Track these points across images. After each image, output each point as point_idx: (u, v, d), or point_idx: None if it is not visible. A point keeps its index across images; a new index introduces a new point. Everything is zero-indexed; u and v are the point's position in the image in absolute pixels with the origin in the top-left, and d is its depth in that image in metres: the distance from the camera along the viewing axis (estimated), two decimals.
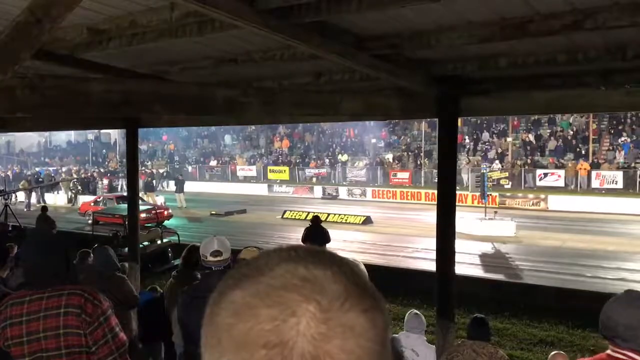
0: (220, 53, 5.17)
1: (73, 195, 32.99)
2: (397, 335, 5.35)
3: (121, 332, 2.81)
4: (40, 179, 35.75)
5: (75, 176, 37.28)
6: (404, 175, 32.97)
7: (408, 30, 4.11)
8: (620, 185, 26.47)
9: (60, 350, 2.64)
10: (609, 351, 2.42)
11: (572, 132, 31.14)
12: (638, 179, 26.23)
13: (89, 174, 38.38)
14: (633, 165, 27.30)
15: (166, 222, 20.39)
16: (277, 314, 0.57)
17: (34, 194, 32.55)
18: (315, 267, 0.61)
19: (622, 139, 29.34)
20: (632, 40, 4.02)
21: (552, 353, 5.12)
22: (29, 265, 2.84)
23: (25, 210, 28.35)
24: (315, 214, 14.35)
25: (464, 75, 5.37)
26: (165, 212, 21.74)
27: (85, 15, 3.99)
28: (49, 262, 2.74)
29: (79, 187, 33.70)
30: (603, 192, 26.42)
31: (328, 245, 12.56)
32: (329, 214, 22.23)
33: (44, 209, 16.93)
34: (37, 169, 43.68)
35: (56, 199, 33.63)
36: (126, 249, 11.15)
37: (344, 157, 36.56)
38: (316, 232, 12.41)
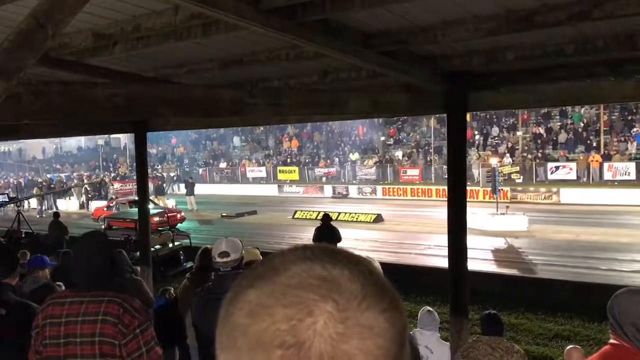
0: (225, 54, 5.17)
1: (85, 201, 33.21)
2: (410, 332, 5.32)
3: (157, 345, 2.76)
4: (52, 185, 36.02)
5: (86, 181, 37.51)
6: (414, 172, 32.89)
7: (414, 26, 4.08)
8: (633, 176, 26.21)
9: (95, 357, 2.62)
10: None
11: (582, 125, 30.91)
12: None
13: (100, 179, 38.59)
14: None
15: (178, 225, 20.47)
16: (293, 314, 0.56)
17: (46, 201, 32.78)
18: (332, 266, 0.60)
19: (634, 129, 29.08)
20: None
21: (568, 347, 5.08)
22: (75, 265, 2.84)
23: (37, 217, 28.57)
24: (326, 212, 14.31)
25: (471, 70, 5.33)
26: (178, 215, 21.80)
27: (89, 20, 4.00)
28: (95, 264, 2.74)
29: (90, 193, 33.91)
30: (616, 183, 26.20)
31: (339, 244, 12.55)
32: (339, 213, 22.19)
33: (56, 215, 17.04)
34: (48, 175, 44.03)
35: (68, 205, 33.87)
36: (138, 252, 11.19)
37: (354, 156, 36.53)
38: (327, 231, 12.39)
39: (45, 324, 2.67)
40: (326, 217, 12.76)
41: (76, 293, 2.72)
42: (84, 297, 2.68)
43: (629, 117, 29.93)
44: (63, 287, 6.27)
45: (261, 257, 5.24)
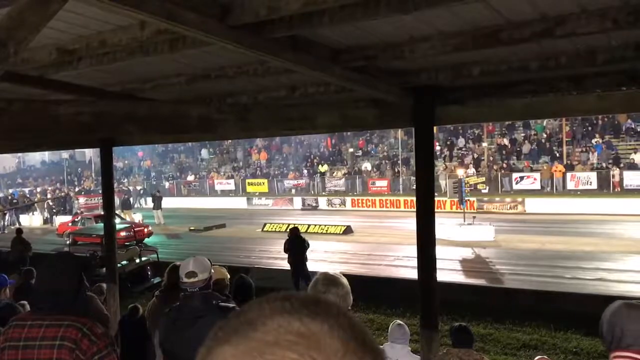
0: (193, 69, 5.12)
1: (49, 216, 32.47)
2: (381, 346, 5.32)
3: None
4: (14, 200, 35.13)
5: (50, 196, 36.70)
6: (382, 184, 33.11)
7: (381, 42, 4.11)
8: (594, 186, 26.91)
9: None
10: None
11: (545, 135, 31.60)
12: (611, 180, 26.69)
13: (65, 193, 37.79)
14: (606, 165, 27.77)
15: (145, 240, 20.14)
16: None
17: (8, 216, 31.94)
18: (311, 320, 0.57)
19: (595, 140, 29.85)
20: (601, 46, 4.08)
21: (536, 358, 5.16)
22: (37, 287, 2.81)
23: None
24: (294, 225, 14.36)
25: (438, 85, 5.39)
26: (145, 230, 21.46)
27: (53, 35, 3.92)
28: (57, 287, 2.67)
29: (54, 208, 33.17)
30: (578, 193, 26.81)
31: (309, 253, 12.65)
32: (309, 225, 22.18)
33: (19, 231, 16.63)
34: (10, 190, 42.91)
35: (31, 220, 33.05)
36: (104, 269, 10.96)
37: (323, 168, 36.59)
38: (296, 242, 12.51)
39: (5, 348, 2.61)
40: (294, 230, 12.96)
41: (37, 316, 2.66)
42: (44, 320, 2.62)
43: (590, 128, 30.71)
44: (27, 307, 6.12)
45: (228, 276, 5.18)
